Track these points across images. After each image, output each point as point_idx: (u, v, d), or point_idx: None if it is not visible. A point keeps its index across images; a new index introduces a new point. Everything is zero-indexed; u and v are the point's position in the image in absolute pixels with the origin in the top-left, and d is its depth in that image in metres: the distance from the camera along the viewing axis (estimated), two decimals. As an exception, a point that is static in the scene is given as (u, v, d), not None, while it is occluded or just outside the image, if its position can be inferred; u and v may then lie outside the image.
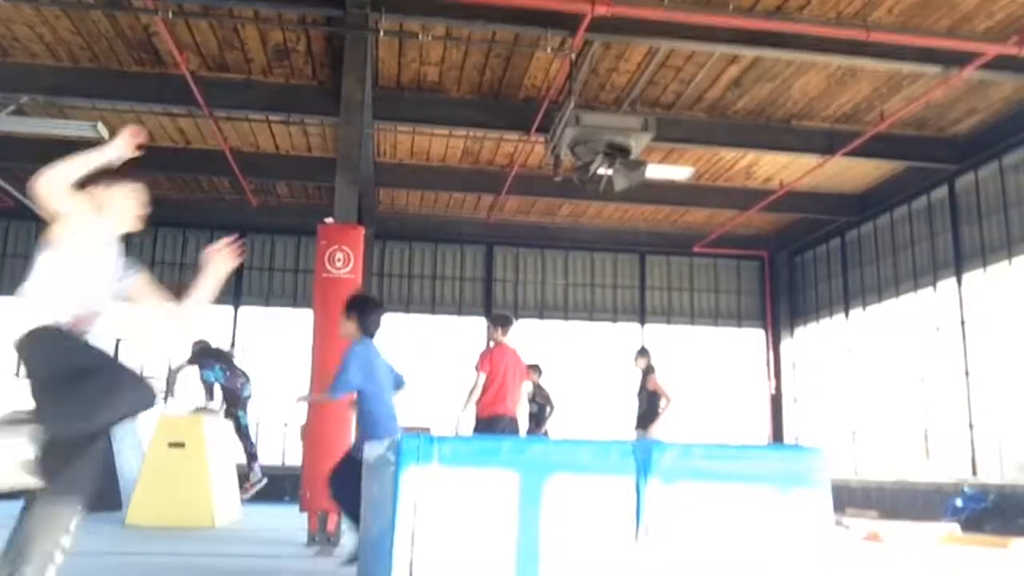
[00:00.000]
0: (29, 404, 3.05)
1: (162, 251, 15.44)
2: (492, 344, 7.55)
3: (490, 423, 7.09)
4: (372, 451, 3.62)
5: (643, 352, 9.76)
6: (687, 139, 11.22)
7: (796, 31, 8.54)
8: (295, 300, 15.65)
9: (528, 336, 15.26)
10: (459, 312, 16.09)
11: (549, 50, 8.90)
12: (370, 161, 11.99)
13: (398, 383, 4.94)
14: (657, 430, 9.20)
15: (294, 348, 14.79)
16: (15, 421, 2.99)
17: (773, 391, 16.46)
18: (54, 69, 10.03)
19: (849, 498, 13.48)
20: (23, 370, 3.11)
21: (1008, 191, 11.17)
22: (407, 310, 15.95)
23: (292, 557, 6.05)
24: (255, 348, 15.40)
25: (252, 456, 9.91)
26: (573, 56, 8.92)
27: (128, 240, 3.50)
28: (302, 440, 7.60)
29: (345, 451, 5.10)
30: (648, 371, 9.48)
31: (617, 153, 8.81)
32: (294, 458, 14.56)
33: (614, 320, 16.48)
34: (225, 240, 3.62)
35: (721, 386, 16.42)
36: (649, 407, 9.45)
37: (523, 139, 11.44)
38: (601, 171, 9.02)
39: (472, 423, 7.28)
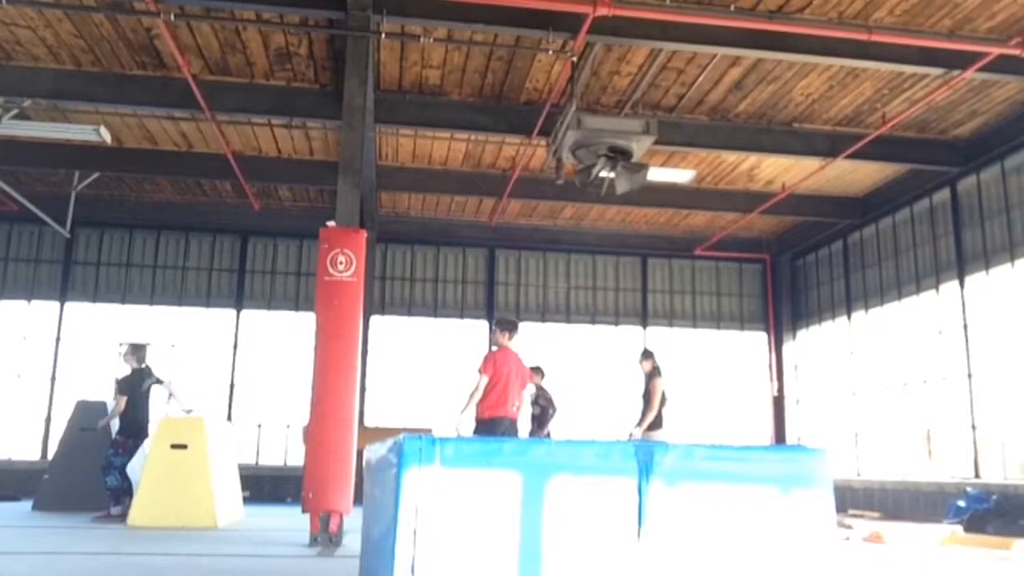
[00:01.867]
0: None
1: (164, 255, 15.46)
2: (496, 348, 7.56)
3: (491, 425, 7.13)
4: (374, 453, 3.62)
5: (647, 355, 9.75)
6: (689, 142, 11.22)
7: (797, 32, 8.55)
8: (297, 304, 15.65)
9: (530, 339, 15.27)
10: (461, 315, 16.10)
11: (551, 52, 8.92)
12: (372, 164, 12.00)
13: None
14: (659, 433, 9.19)
15: (296, 352, 14.86)
16: None
17: (775, 393, 16.45)
18: (56, 72, 10.06)
19: (851, 499, 13.47)
20: None
21: (1010, 193, 11.16)
22: (409, 313, 15.96)
23: (294, 558, 6.05)
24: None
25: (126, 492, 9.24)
26: (575, 59, 8.93)
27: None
28: (304, 442, 7.60)
29: None
30: (653, 374, 9.48)
31: (619, 156, 8.82)
32: (296, 459, 14.58)
33: (616, 323, 16.48)
34: None
35: (723, 388, 16.42)
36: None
37: (525, 142, 11.45)
38: (603, 174, 9.03)
39: (472, 425, 7.30)
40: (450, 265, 16.29)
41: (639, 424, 9.15)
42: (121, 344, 9.93)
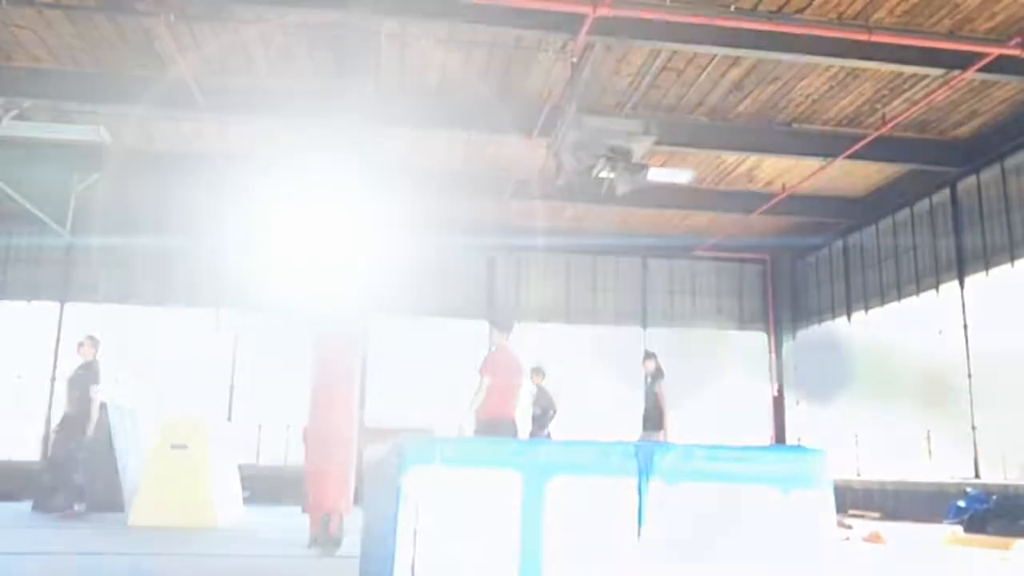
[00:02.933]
0: None
1: (165, 255, 15.44)
2: (495, 348, 7.57)
3: (492, 425, 7.12)
4: (374, 453, 3.63)
5: (650, 356, 9.79)
6: (689, 143, 11.22)
7: (797, 32, 8.55)
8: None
9: (530, 340, 15.28)
10: (461, 316, 16.08)
11: (551, 53, 8.91)
12: (372, 164, 12.00)
13: None
14: (659, 434, 9.23)
15: (296, 352, 14.86)
16: None
17: (775, 393, 16.46)
18: (57, 73, 10.06)
19: (851, 499, 13.47)
20: None
21: (1010, 194, 11.16)
22: (409, 313, 15.95)
23: (294, 558, 6.05)
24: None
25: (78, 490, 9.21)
26: (575, 59, 8.93)
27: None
28: (304, 442, 7.62)
29: None
30: (657, 376, 9.50)
31: (619, 157, 8.80)
32: (296, 459, 14.57)
33: (616, 324, 16.48)
34: None
35: (723, 388, 16.42)
36: (655, 410, 9.49)
37: (525, 143, 11.44)
38: (603, 175, 9.02)
39: (474, 425, 7.30)
40: (451, 265, 16.28)
41: (661, 429, 9.20)
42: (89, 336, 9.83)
